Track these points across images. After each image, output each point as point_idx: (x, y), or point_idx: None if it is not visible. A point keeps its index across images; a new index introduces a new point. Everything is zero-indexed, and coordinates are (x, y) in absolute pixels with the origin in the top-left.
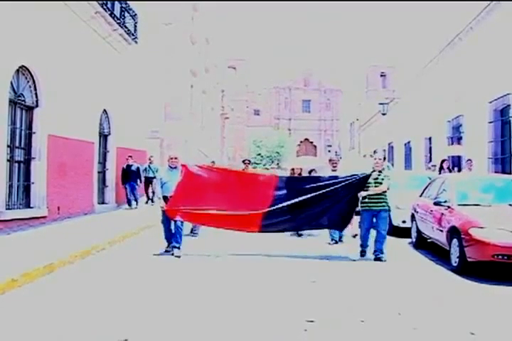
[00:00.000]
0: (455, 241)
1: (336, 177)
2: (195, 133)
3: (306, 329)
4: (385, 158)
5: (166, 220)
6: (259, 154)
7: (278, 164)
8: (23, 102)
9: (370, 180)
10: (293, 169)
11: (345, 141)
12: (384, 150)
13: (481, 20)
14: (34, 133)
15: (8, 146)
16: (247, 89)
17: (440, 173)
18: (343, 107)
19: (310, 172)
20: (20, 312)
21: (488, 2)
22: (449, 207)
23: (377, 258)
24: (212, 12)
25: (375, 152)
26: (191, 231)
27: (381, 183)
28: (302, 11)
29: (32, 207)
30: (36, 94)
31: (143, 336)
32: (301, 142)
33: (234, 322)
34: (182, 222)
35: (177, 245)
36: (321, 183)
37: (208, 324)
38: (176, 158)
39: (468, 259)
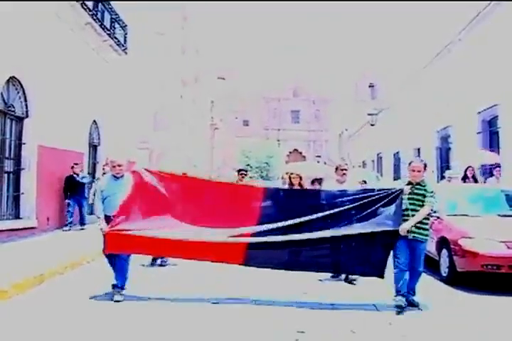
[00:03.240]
0: (445, 251)
1: (355, 194)
2: (185, 143)
3: (297, 339)
4: (425, 165)
5: None
6: (248, 164)
7: (267, 174)
8: (13, 113)
9: (403, 197)
10: (290, 176)
11: (334, 151)
12: (372, 161)
13: (469, 31)
14: (24, 143)
15: None
16: (236, 99)
17: (465, 182)
18: (332, 118)
19: (313, 182)
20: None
21: (477, 13)
22: (438, 217)
23: (410, 303)
24: (203, 21)
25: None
26: (153, 260)
27: (421, 202)
28: (291, 22)
29: (21, 218)
30: (26, 104)
31: None
32: (290, 152)
33: (226, 331)
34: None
35: (119, 285)
36: (337, 202)
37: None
38: (120, 166)
39: (458, 269)
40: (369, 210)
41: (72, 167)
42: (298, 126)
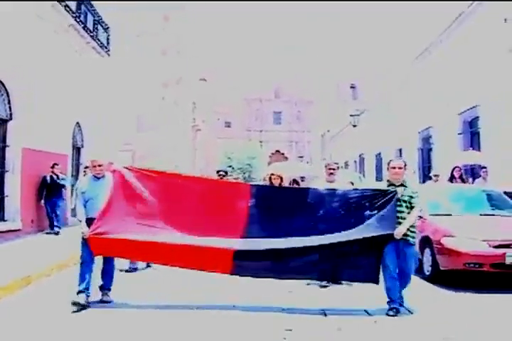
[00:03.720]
0: (427, 250)
1: (347, 194)
2: (167, 144)
3: (285, 337)
4: (405, 164)
5: (88, 255)
6: (230, 166)
7: (249, 175)
8: None
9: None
10: (270, 177)
11: (316, 152)
12: (355, 162)
13: (450, 33)
14: (8, 146)
15: None
16: (218, 101)
17: (452, 183)
18: (314, 119)
19: (292, 183)
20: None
21: (458, 14)
22: (421, 217)
23: (393, 308)
24: (184, 22)
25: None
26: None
27: (407, 203)
28: (272, 23)
29: (6, 220)
30: (10, 107)
31: None
32: (272, 154)
33: (216, 332)
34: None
35: (107, 287)
36: (329, 203)
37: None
38: (100, 166)
39: (441, 268)
40: (362, 213)
41: (52, 167)
42: (280, 127)
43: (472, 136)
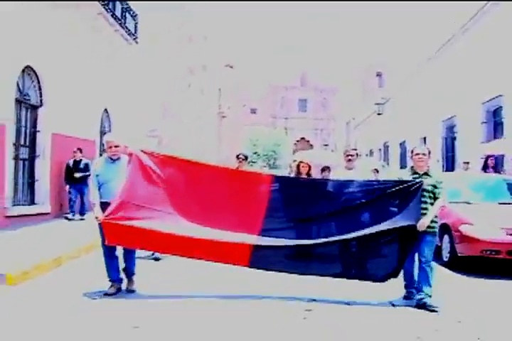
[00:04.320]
0: (446, 237)
1: (370, 185)
2: (193, 131)
3: (305, 317)
4: (429, 152)
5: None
6: (255, 152)
7: (274, 163)
8: (28, 101)
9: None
10: (299, 164)
11: (341, 140)
12: (379, 150)
13: (477, 20)
14: (38, 131)
15: (14, 144)
16: (243, 87)
17: (486, 172)
18: (339, 106)
19: (323, 170)
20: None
21: (482, 6)
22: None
23: (421, 305)
24: (211, 10)
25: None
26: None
27: (431, 193)
28: (300, 10)
29: (36, 204)
30: (41, 93)
31: None
32: (297, 141)
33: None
34: None
35: (131, 271)
36: (351, 196)
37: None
38: (116, 147)
39: (459, 254)
40: (387, 205)
41: (75, 152)
42: (305, 115)
43: (496, 126)
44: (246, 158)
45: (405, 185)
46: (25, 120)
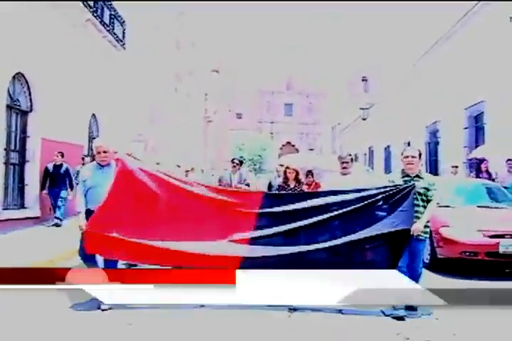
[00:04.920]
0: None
1: (362, 191)
2: (179, 135)
3: (289, 315)
4: (420, 154)
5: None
6: (241, 157)
7: (260, 167)
8: (18, 107)
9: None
10: (285, 170)
11: (327, 144)
12: (364, 154)
13: (460, 27)
14: (28, 136)
15: (4, 149)
16: (229, 92)
17: (479, 177)
18: (325, 111)
19: (306, 175)
20: None
21: (465, 12)
22: None
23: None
24: (199, 16)
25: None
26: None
27: (423, 196)
28: (286, 15)
29: (26, 208)
30: (30, 99)
31: None
32: (283, 145)
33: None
34: None
35: None
36: (343, 202)
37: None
38: (105, 152)
39: (439, 256)
40: (378, 211)
41: (56, 156)
42: (291, 119)
43: (477, 131)
44: (241, 162)
45: (398, 188)
46: (15, 125)
